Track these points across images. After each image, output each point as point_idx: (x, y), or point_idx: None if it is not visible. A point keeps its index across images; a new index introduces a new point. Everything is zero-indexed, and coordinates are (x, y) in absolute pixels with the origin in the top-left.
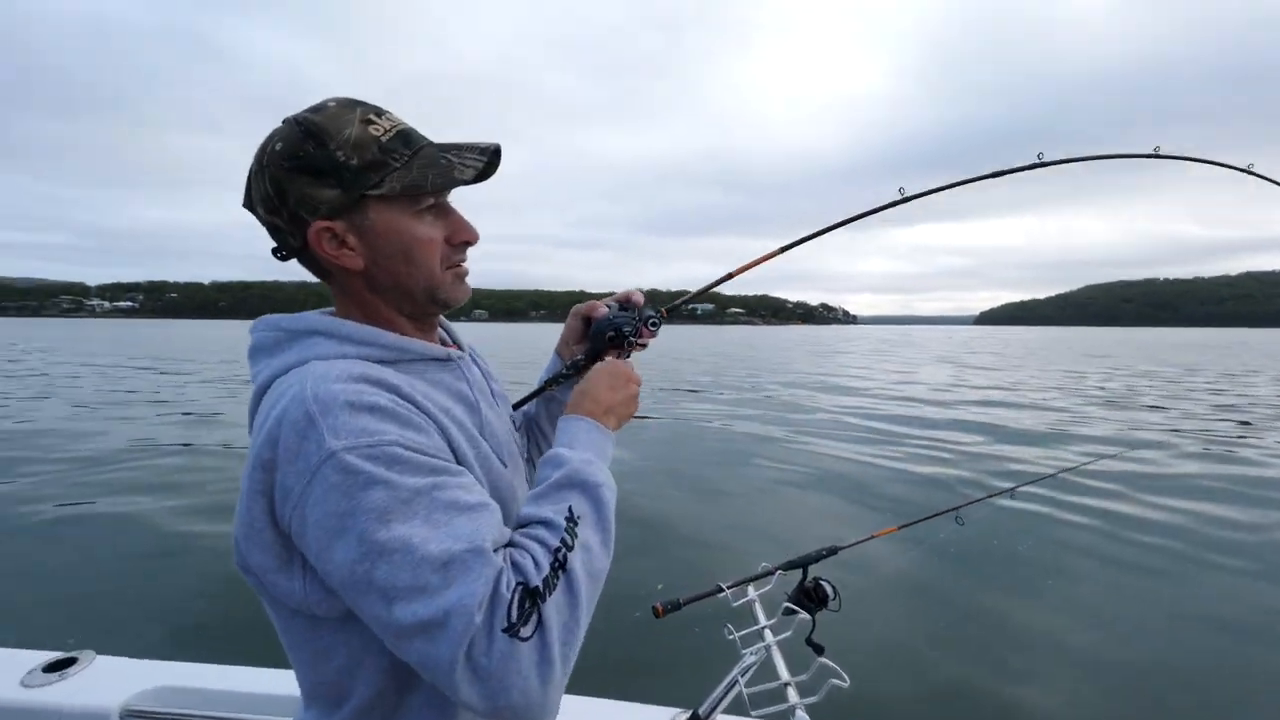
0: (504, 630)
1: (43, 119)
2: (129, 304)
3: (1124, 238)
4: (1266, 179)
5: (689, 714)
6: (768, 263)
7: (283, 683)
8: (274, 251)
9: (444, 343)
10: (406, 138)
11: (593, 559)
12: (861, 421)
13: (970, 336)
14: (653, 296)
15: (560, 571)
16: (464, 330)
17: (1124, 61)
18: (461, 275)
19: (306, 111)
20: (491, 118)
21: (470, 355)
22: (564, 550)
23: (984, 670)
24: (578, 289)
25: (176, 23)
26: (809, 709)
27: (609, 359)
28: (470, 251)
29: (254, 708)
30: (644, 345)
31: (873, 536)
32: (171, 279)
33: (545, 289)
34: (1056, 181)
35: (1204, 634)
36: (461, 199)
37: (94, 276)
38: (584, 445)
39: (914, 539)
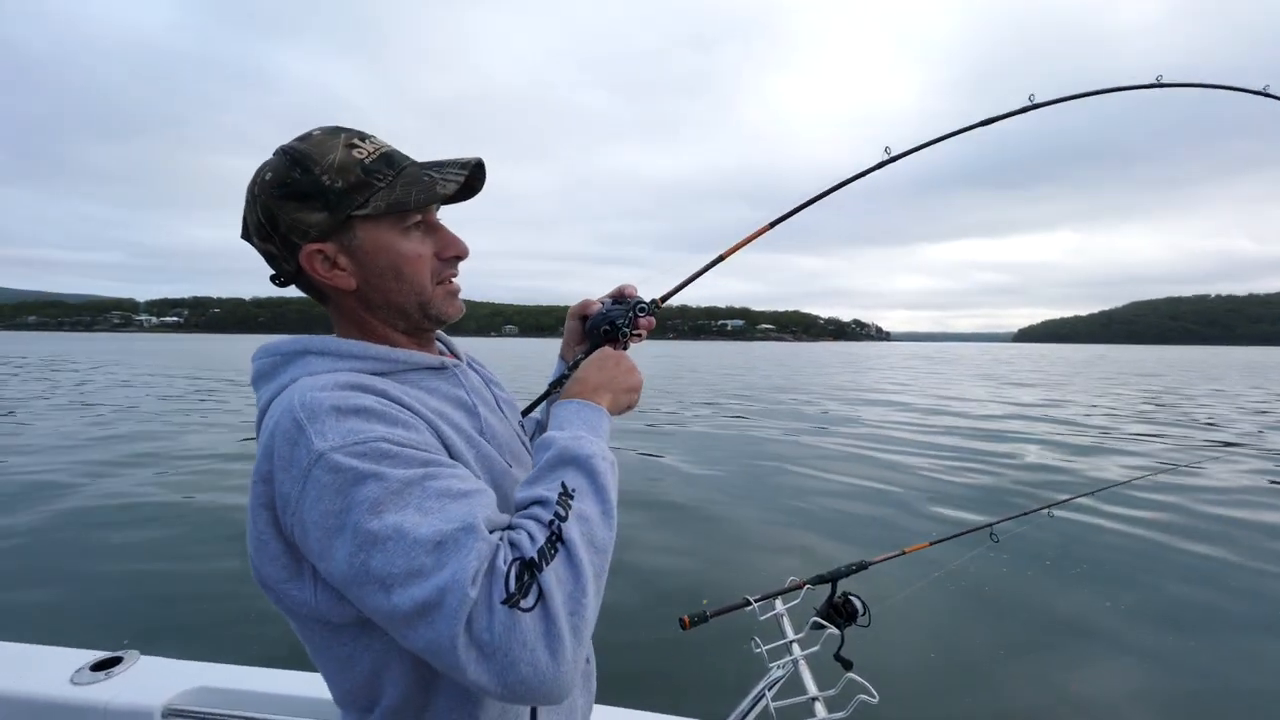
0: (503, 602)
1: (92, 143)
2: (174, 319)
3: (1173, 254)
4: None
5: None
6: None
7: (320, 686)
8: (272, 278)
9: (441, 354)
10: (389, 159)
11: (592, 528)
12: (898, 435)
13: (1011, 354)
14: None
15: (558, 543)
16: (494, 345)
17: (1166, 74)
18: (453, 291)
19: (293, 141)
20: (524, 137)
21: (469, 364)
22: (558, 522)
23: (1020, 690)
24: None
25: (218, 47)
26: None
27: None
28: (501, 268)
29: (292, 709)
30: (640, 335)
31: (903, 552)
32: (214, 295)
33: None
34: (1101, 196)
35: (1264, 645)
36: (490, 217)
37: (142, 293)
38: (573, 424)
39: (947, 555)
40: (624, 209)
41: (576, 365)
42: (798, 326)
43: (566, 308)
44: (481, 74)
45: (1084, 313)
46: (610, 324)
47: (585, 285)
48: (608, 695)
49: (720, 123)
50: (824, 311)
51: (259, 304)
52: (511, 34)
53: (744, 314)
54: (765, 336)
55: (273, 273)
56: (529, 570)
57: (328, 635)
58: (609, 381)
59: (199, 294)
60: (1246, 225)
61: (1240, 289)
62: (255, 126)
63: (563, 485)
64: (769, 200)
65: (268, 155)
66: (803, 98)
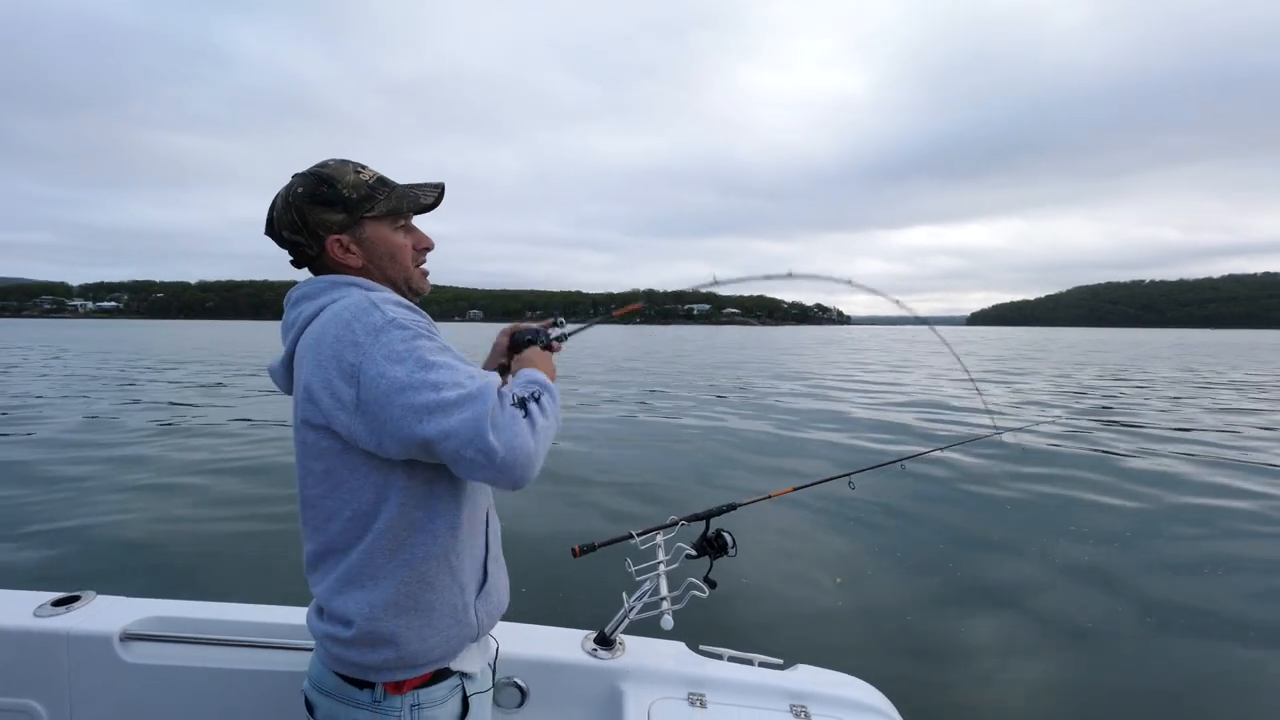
0: (511, 405)
1: (26, 117)
2: (112, 304)
3: (1111, 241)
4: (864, 288)
5: (596, 634)
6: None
7: (255, 614)
8: (292, 262)
9: None
10: (384, 181)
11: (547, 408)
12: (798, 405)
13: (955, 338)
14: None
15: (532, 402)
16: (458, 329)
17: (1101, 74)
18: (424, 272)
19: (316, 167)
20: (491, 120)
21: None
22: (537, 394)
23: (858, 600)
24: (574, 289)
25: (168, 22)
26: (675, 614)
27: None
28: (467, 251)
29: (234, 631)
30: (556, 350)
31: (769, 496)
32: (158, 279)
33: (542, 289)
34: (1047, 185)
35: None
36: (458, 199)
37: (77, 276)
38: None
39: (807, 499)
40: (593, 191)
41: (511, 358)
42: (762, 311)
43: (536, 291)
44: (447, 56)
45: (1031, 297)
46: (534, 335)
47: (556, 269)
48: (509, 613)
49: (688, 108)
50: (788, 296)
51: (205, 288)
52: (477, 15)
53: (709, 298)
54: (731, 321)
55: (292, 258)
56: (521, 404)
57: (345, 470)
58: (544, 364)
59: (140, 277)
60: (1175, 215)
61: (1171, 275)
62: (209, 105)
63: (537, 389)
64: (735, 188)
65: (225, 135)
66: (767, 87)
